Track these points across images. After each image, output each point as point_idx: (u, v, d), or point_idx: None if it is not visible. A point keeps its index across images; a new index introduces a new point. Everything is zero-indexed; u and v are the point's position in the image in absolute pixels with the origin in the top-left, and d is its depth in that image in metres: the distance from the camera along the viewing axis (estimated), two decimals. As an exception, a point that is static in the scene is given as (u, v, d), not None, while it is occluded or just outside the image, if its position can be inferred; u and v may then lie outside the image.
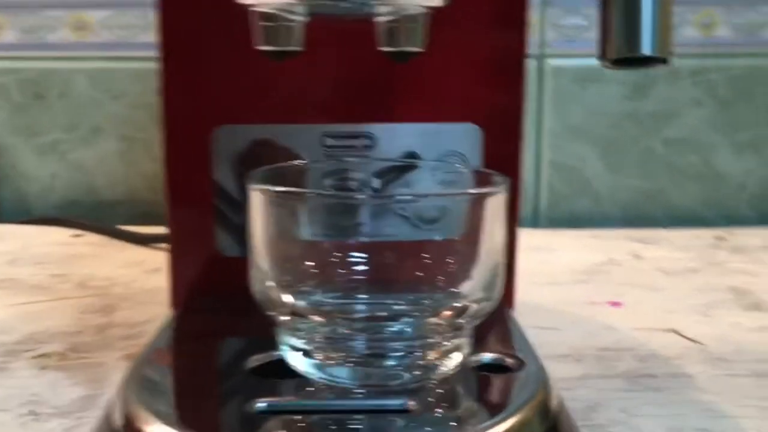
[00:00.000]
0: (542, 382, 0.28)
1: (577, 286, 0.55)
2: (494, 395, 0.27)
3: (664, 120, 0.75)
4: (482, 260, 0.27)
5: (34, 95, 0.76)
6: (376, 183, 0.33)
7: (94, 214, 0.77)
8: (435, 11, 0.29)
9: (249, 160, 0.36)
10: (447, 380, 0.27)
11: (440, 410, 0.26)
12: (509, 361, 0.30)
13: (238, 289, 0.35)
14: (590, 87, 0.75)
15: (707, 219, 0.77)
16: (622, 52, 0.27)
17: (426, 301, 0.27)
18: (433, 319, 0.27)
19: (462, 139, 0.36)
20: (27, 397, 0.37)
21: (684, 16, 0.73)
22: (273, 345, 0.30)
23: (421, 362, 0.26)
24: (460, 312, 0.27)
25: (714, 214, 0.77)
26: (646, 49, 0.27)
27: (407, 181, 0.33)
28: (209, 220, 0.36)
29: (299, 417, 0.25)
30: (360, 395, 0.26)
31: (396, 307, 0.27)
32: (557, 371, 0.39)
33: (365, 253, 0.27)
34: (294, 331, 0.27)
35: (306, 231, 0.26)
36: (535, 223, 0.78)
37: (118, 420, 0.26)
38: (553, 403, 0.27)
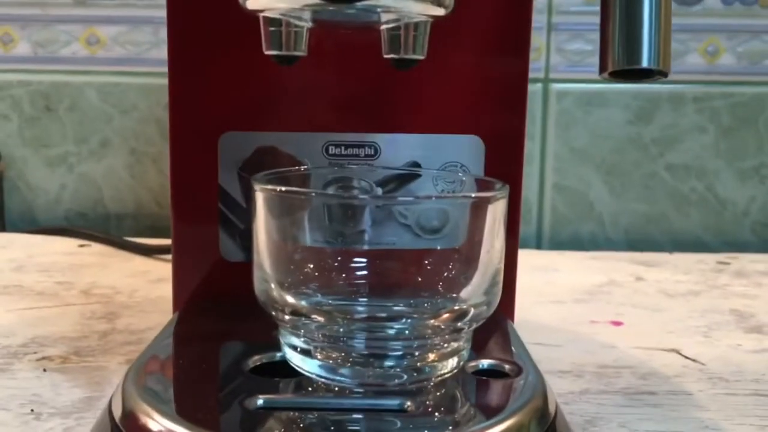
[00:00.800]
0: (539, 387, 0.28)
1: (578, 306, 0.56)
2: (491, 399, 0.28)
3: (667, 145, 0.76)
4: (482, 265, 0.27)
5: (44, 108, 0.77)
6: (379, 191, 0.34)
7: (101, 227, 0.78)
8: (437, 20, 0.30)
9: (253, 166, 0.37)
10: (445, 382, 0.27)
11: (437, 412, 0.26)
12: (507, 367, 0.30)
13: (241, 294, 0.35)
14: (594, 111, 0.75)
15: (710, 245, 0.77)
16: (621, 64, 0.28)
17: (425, 304, 0.27)
18: (432, 321, 0.27)
19: (465, 150, 0.36)
20: (28, 397, 0.37)
21: (688, 44, 0.74)
22: (274, 347, 0.30)
23: (419, 363, 0.27)
24: (460, 315, 0.27)
25: (716, 240, 0.77)
26: (645, 61, 0.27)
27: (409, 190, 0.34)
28: (213, 225, 0.37)
29: (297, 414, 0.25)
30: (358, 395, 0.26)
31: (396, 309, 0.27)
32: (557, 386, 0.39)
33: (366, 258, 0.28)
34: (295, 330, 0.27)
35: (308, 233, 0.27)
36: (539, 245, 0.78)
37: (118, 413, 0.26)
38: (550, 408, 0.28)
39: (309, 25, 0.30)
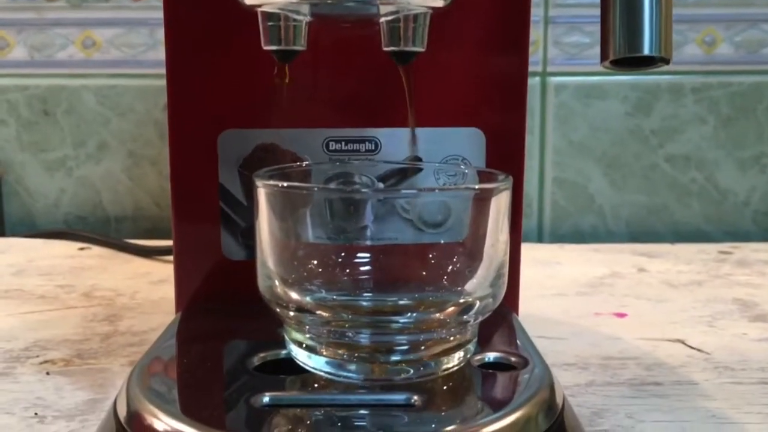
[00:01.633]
0: (546, 380, 0.28)
1: (581, 298, 0.55)
2: (498, 392, 0.27)
3: (666, 136, 0.76)
4: (487, 258, 0.27)
5: (42, 112, 0.77)
6: (380, 186, 0.34)
7: (101, 230, 0.77)
8: (437, 12, 0.29)
9: (253, 164, 0.36)
10: (452, 376, 0.27)
11: (445, 406, 0.26)
12: (513, 359, 0.30)
13: (244, 292, 0.35)
14: (593, 104, 0.75)
15: (711, 235, 0.77)
16: (623, 52, 0.28)
17: (431, 298, 0.27)
18: (438, 315, 0.27)
19: (466, 143, 0.36)
20: (32, 400, 0.37)
21: (686, 34, 0.74)
22: (278, 345, 0.30)
23: (425, 358, 0.26)
24: (465, 308, 0.27)
25: (717, 230, 0.77)
26: (647, 48, 0.27)
27: (411, 184, 0.34)
28: (215, 224, 0.37)
29: (304, 411, 0.25)
30: (365, 390, 0.26)
31: (401, 303, 0.27)
32: (563, 378, 0.39)
33: (370, 253, 0.27)
34: (299, 326, 0.27)
35: (312, 229, 0.27)
36: (540, 239, 0.78)
37: (123, 414, 0.26)
38: (557, 400, 0.27)
39: (308, 18, 0.30)
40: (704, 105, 0.75)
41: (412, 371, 0.26)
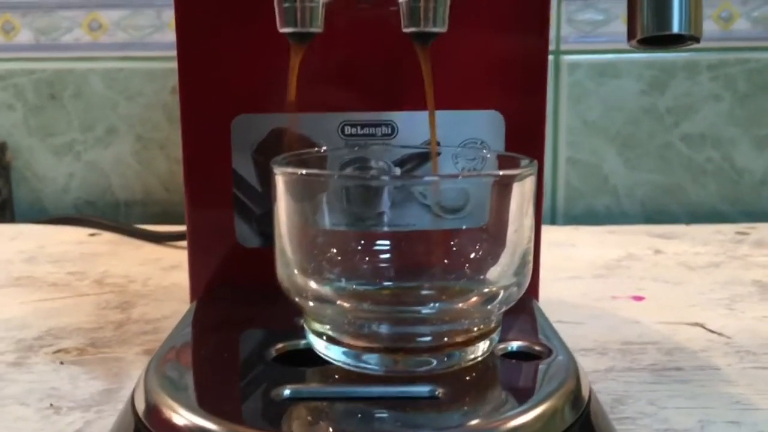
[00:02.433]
0: (572, 370, 0.27)
1: (598, 281, 0.55)
2: (523, 382, 0.27)
3: (682, 115, 0.75)
4: (511, 245, 0.26)
5: (49, 96, 0.76)
6: (397, 171, 0.33)
7: (110, 215, 0.77)
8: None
9: (268, 149, 0.36)
10: (475, 367, 0.27)
11: (469, 398, 0.25)
12: (537, 349, 0.29)
13: (259, 280, 0.35)
14: (607, 82, 0.74)
15: (727, 215, 0.76)
16: (651, 30, 0.27)
17: (454, 287, 0.27)
18: (461, 305, 0.26)
19: (485, 126, 0.35)
20: (47, 391, 0.37)
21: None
22: (297, 335, 0.30)
23: (449, 348, 0.26)
24: (489, 298, 0.26)
25: (734, 210, 0.76)
26: (677, 26, 0.26)
27: (429, 169, 0.33)
28: (228, 211, 0.36)
29: (325, 404, 0.25)
30: (387, 382, 0.25)
31: (423, 292, 0.26)
32: (582, 364, 0.39)
33: (392, 240, 0.27)
34: (320, 317, 0.26)
35: (331, 216, 0.26)
36: (553, 220, 0.77)
37: (141, 408, 0.26)
38: (584, 392, 0.27)
39: (324, 0, 0.29)
40: (720, 82, 0.74)
41: (435, 362, 0.26)
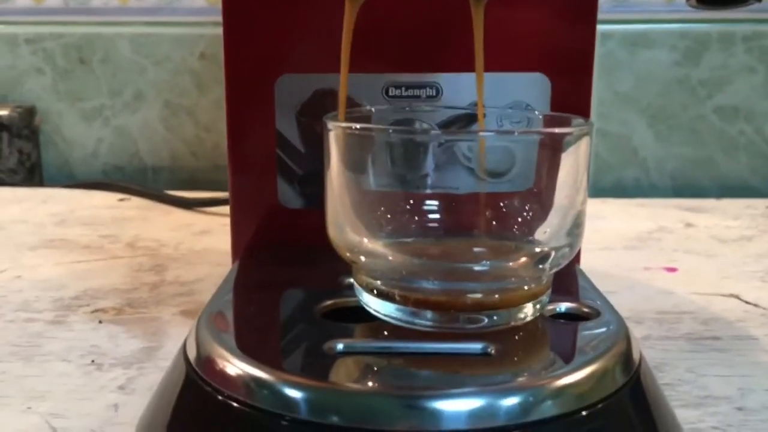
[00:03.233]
0: (623, 332, 0.27)
1: (629, 252, 0.55)
2: (574, 343, 0.27)
3: (715, 87, 0.74)
4: (566, 206, 0.26)
5: (78, 60, 0.76)
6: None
7: (138, 180, 0.77)
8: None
9: (311, 110, 0.35)
10: (526, 326, 0.27)
11: (520, 356, 0.25)
12: (585, 310, 0.29)
13: (301, 241, 0.35)
14: (640, 53, 0.73)
15: (758, 189, 0.75)
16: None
17: (506, 247, 0.27)
18: (513, 264, 0.26)
19: (530, 89, 0.35)
20: (87, 348, 0.37)
21: (737, -20, 0.71)
22: (342, 293, 0.30)
23: (499, 307, 0.26)
24: (542, 258, 0.26)
25: (765, 184, 0.75)
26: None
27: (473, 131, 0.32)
28: (271, 172, 0.36)
29: (378, 358, 0.25)
30: (439, 338, 0.25)
31: (475, 250, 0.26)
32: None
33: (444, 200, 0.27)
34: (371, 273, 0.26)
35: (383, 173, 0.26)
36: (580, 192, 0.76)
37: (193, 357, 0.26)
38: (634, 354, 0.27)
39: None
40: (755, 54, 0.73)
41: (486, 320, 0.26)
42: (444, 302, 0.25)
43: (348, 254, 0.27)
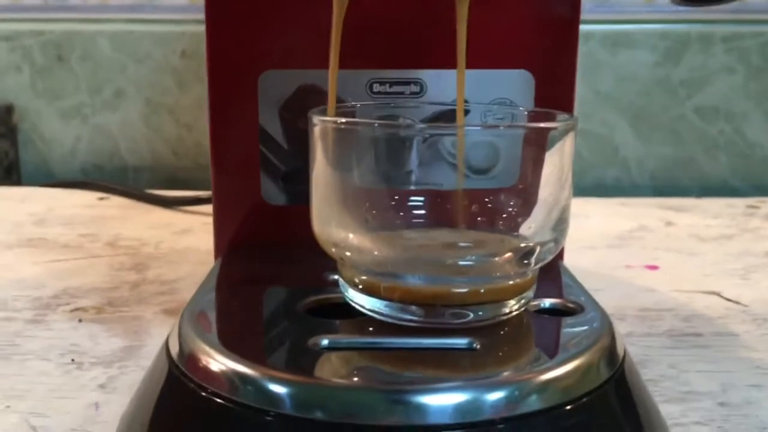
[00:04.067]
0: (607, 327, 0.27)
1: (612, 251, 0.55)
2: (558, 337, 0.27)
3: (695, 87, 0.74)
4: (550, 201, 0.26)
5: (56, 58, 0.75)
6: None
7: (118, 179, 0.76)
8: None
9: (295, 106, 0.35)
10: (510, 321, 0.27)
11: (506, 351, 0.25)
12: (570, 306, 0.29)
13: (284, 237, 0.34)
14: (620, 53, 0.73)
15: (738, 189, 0.76)
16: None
17: (491, 242, 0.27)
18: (498, 259, 0.26)
19: (513, 86, 0.35)
20: (67, 347, 0.36)
21: (716, -18, 0.72)
22: (327, 289, 0.30)
23: (484, 302, 0.26)
24: (526, 253, 0.26)
25: (745, 184, 0.76)
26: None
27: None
28: (254, 167, 0.36)
29: (363, 354, 0.24)
30: (424, 333, 0.25)
31: (461, 245, 0.26)
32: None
33: (428, 195, 0.27)
34: (356, 268, 0.26)
35: (368, 168, 0.26)
36: (562, 192, 0.77)
37: (175, 353, 0.25)
38: (618, 349, 0.27)
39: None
40: (734, 55, 0.73)
41: (471, 315, 0.26)
42: (429, 297, 0.25)
43: (333, 249, 0.27)
